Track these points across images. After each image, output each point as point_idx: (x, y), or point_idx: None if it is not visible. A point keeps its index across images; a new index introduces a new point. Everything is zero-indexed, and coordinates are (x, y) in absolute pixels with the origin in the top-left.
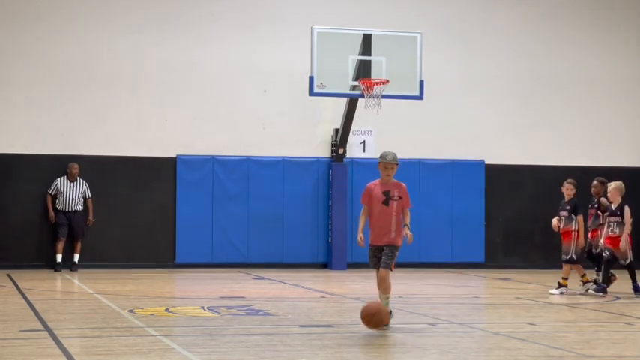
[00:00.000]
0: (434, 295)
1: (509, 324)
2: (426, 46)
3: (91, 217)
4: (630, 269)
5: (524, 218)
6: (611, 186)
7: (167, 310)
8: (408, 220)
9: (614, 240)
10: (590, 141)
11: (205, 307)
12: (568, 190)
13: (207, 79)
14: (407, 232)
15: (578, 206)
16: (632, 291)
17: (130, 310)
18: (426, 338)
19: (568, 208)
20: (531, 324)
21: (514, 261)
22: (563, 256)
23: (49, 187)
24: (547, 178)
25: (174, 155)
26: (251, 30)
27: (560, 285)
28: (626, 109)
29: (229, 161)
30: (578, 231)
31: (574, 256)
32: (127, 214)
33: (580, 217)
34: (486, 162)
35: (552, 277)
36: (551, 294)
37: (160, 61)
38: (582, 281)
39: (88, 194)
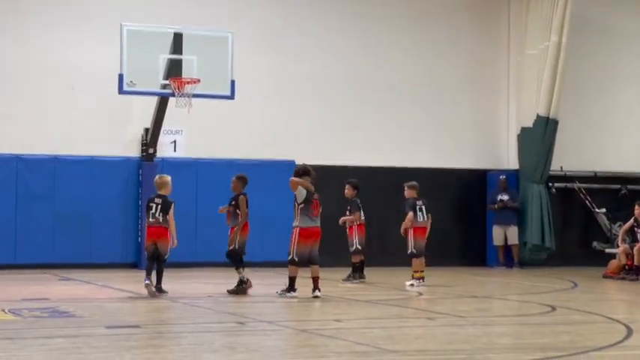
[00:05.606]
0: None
1: (316, 321)
2: (240, 47)
3: None
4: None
5: (331, 217)
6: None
7: None
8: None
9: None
10: (397, 142)
11: (6, 310)
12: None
13: (13, 76)
14: None
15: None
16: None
17: None
18: (234, 337)
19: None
20: (338, 321)
21: (324, 260)
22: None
23: None
24: (357, 178)
25: None
26: (59, 26)
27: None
28: (430, 113)
29: (35, 160)
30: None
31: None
32: None
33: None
34: (297, 162)
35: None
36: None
37: None
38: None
39: None
